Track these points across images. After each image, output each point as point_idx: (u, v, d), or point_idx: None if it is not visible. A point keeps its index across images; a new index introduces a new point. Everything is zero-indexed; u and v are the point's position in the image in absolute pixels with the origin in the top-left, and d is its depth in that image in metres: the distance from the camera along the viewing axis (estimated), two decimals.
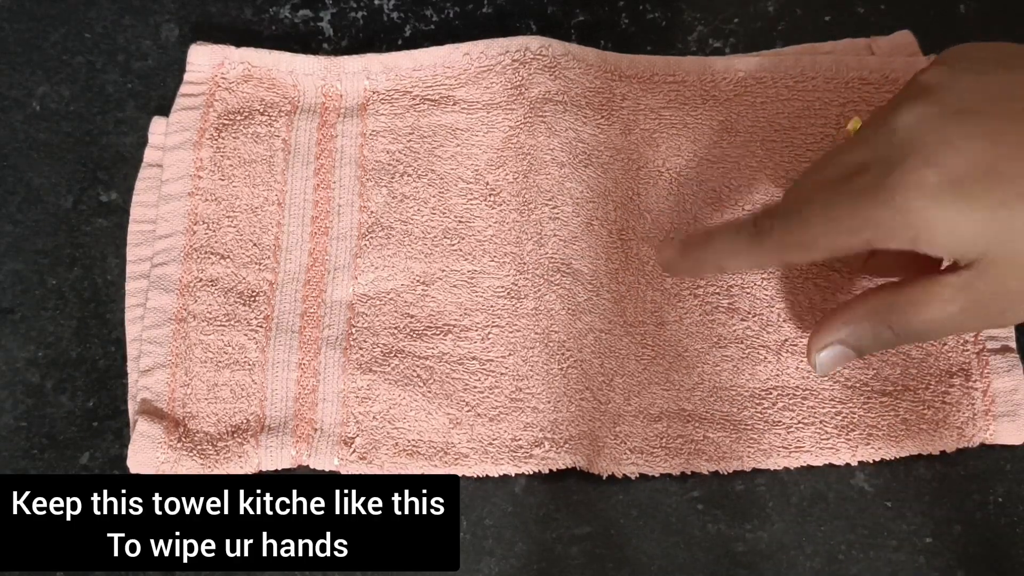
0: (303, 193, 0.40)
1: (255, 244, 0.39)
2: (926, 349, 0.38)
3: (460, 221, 0.40)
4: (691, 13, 0.44)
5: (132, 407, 0.38)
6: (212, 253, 0.39)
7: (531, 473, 0.37)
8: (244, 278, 0.39)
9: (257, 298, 0.39)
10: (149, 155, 0.41)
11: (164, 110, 0.42)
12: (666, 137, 0.41)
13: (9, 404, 0.38)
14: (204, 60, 0.42)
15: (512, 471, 0.36)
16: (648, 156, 0.41)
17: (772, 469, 0.37)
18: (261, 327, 0.38)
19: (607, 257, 0.39)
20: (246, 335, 0.38)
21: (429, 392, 0.37)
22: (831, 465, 0.37)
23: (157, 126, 0.41)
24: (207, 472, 0.36)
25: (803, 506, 0.37)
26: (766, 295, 0.39)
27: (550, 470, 0.36)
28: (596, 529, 0.37)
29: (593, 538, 0.37)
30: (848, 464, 0.37)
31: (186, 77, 0.42)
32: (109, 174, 0.42)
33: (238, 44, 0.42)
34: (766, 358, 0.38)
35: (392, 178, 0.40)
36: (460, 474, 0.36)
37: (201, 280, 0.39)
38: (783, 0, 0.44)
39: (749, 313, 0.38)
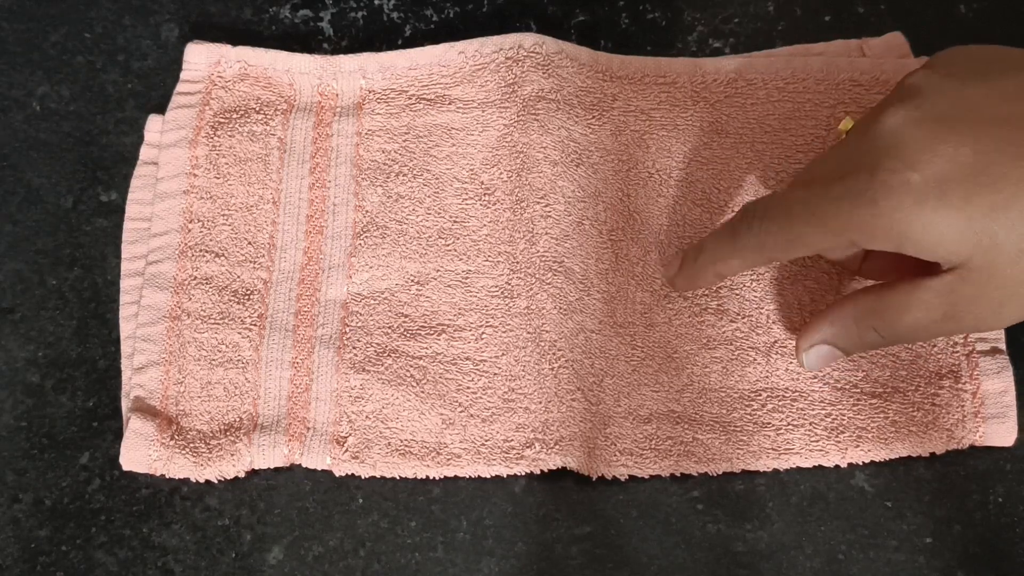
0: (298, 192, 0.40)
1: (250, 242, 0.39)
2: (915, 351, 0.38)
3: (455, 221, 0.40)
4: (691, 13, 0.44)
5: (125, 404, 0.38)
6: (207, 251, 0.39)
7: (524, 474, 0.37)
8: (239, 276, 0.39)
9: (251, 296, 0.39)
10: (145, 153, 0.41)
11: (163, 110, 0.42)
12: (656, 139, 0.41)
13: (9, 404, 0.38)
14: (201, 59, 0.42)
15: (504, 472, 0.36)
16: (638, 157, 0.40)
17: (762, 471, 0.37)
18: (255, 325, 0.38)
19: (597, 257, 0.39)
20: (240, 333, 0.38)
21: (422, 392, 0.37)
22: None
23: (153, 124, 0.41)
24: (199, 470, 0.36)
25: (803, 506, 0.37)
26: (755, 296, 0.39)
27: (541, 471, 0.36)
28: (596, 529, 0.37)
29: (593, 538, 0.37)
30: (848, 464, 0.37)
31: (183, 75, 0.42)
32: (109, 174, 0.42)
33: (237, 44, 0.42)
34: (755, 360, 0.38)
35: (387, 178, 0.40)
36: (452, 475, 0.36)
37: (195, 278, 0.39)
38: (783, 0, 0.44)
39: (738, 315, 0.38)
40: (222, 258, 0.39)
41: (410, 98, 0.41)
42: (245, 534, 0.37)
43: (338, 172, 0.40)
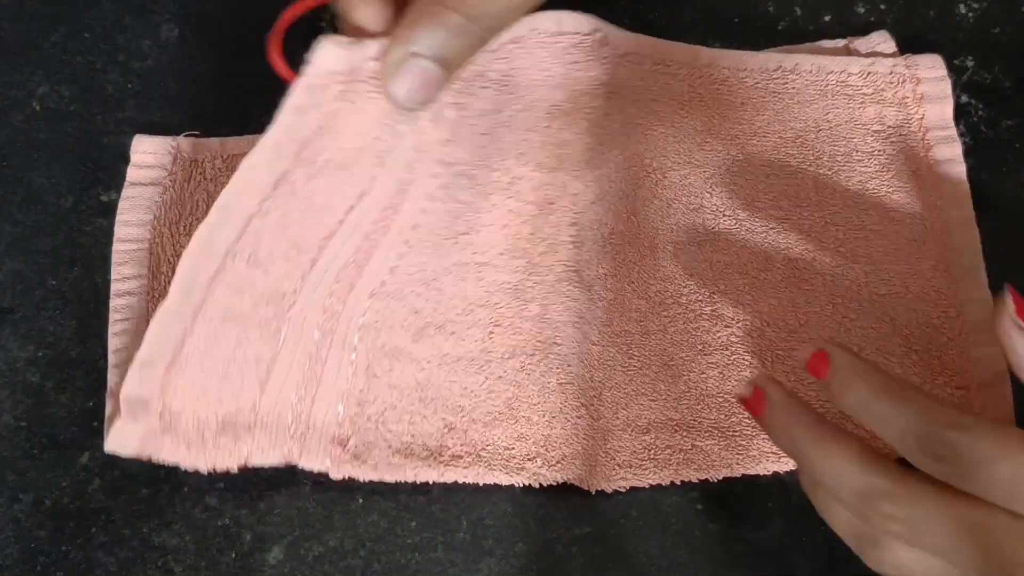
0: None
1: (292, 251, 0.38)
2: (914, 352, 0.38)
3: (476, 212, 0.38)
4: (691, 13, 0.44)
5: (110, 406, 0.37)
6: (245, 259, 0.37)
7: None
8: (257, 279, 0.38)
9: (262, 296, 0.38)
10: (132, 175, 0.40)
11: (164, 110, 0.42)
12: (655, 137, 0.40)
13: (9, 404, 0.38)
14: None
15: (504, 481, 0.36)
16: (638, 157, 0.40)
17: (762, 475, 0.37)
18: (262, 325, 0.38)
19: (599, 261, 0.39)
20: (246, 332, 0.38)
21: (425, 396, 0.37)
22: None
23: (139, 144, 0.40)
24: (194, 462, 0.36)
25: (803, 506, 0.37)
26: (749, 300, 0.38)
27: (540, 484, 0.36)
28: (596, 529, 0.37)
29: (593, 538, 0.37)
30: None
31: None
32: (109, 174, 0.42)
33: (236, 44, 0.41)
34: (752, 364, 0.38)
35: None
36: (452, 479, 0.36)
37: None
38: (783, 0, 0.44)
39: (733, 319, 0.38)
40: (259, 269, 0.36)
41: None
42: (245, 534, 0.37)
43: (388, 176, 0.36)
